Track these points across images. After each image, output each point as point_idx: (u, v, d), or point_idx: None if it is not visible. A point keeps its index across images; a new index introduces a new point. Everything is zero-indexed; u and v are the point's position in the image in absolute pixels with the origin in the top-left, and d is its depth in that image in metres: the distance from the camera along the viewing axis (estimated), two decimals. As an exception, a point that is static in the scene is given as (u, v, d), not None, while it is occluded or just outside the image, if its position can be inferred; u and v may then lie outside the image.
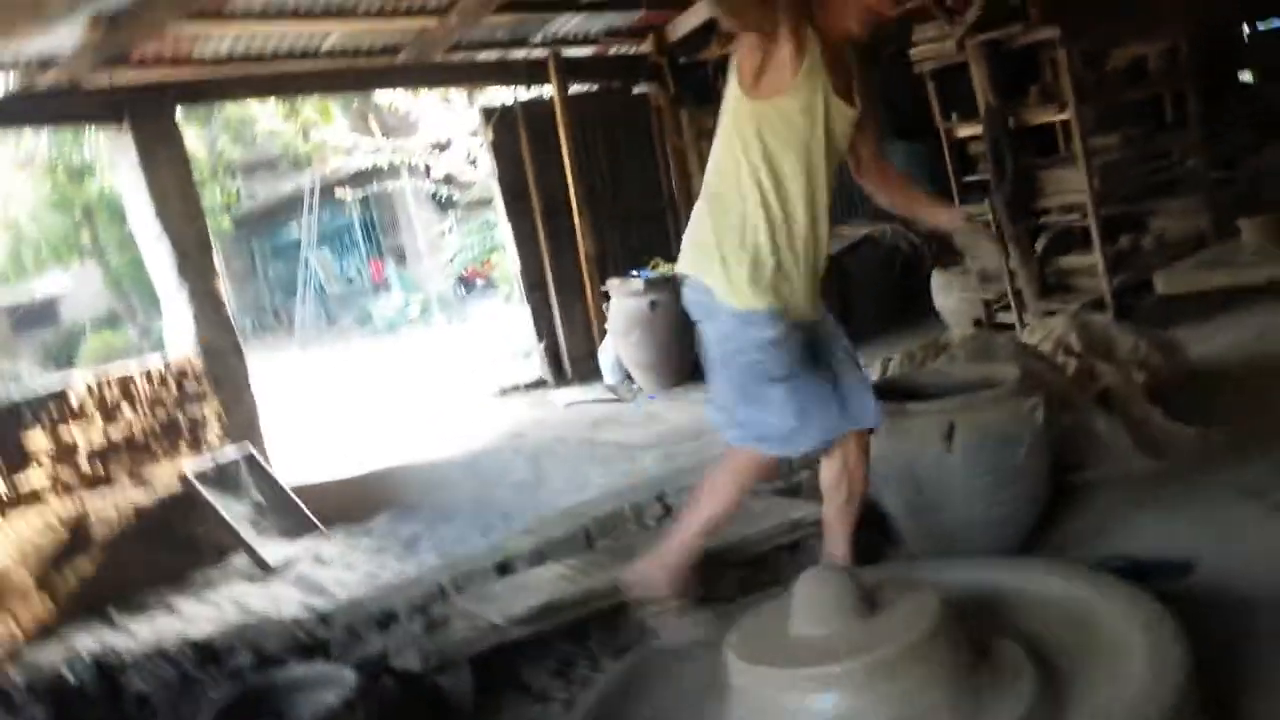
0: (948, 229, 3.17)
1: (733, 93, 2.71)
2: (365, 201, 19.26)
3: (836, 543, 2.93)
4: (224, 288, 6.35)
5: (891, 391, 3.29)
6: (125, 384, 5.31)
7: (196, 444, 5.61)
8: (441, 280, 18.22)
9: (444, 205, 16.14)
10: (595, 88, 8.59)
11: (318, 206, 18.68)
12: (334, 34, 6.60)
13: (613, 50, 8.42)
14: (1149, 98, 7.03)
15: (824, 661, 2.03)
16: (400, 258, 20.71)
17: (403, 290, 19.36)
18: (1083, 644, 2.25)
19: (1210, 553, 2.89)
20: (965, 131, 6.66)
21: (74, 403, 5.07)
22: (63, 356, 17.47)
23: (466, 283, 18.59)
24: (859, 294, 7.94)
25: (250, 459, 5.64)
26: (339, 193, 17.41)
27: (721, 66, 4.02)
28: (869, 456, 2.94)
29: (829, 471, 2.92)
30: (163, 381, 5.54)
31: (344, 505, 5.88)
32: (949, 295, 7.01)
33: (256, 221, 21.43)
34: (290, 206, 20.10)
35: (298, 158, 18.03)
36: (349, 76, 7.37)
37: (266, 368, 10.90)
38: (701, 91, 8.30)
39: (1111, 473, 3.64)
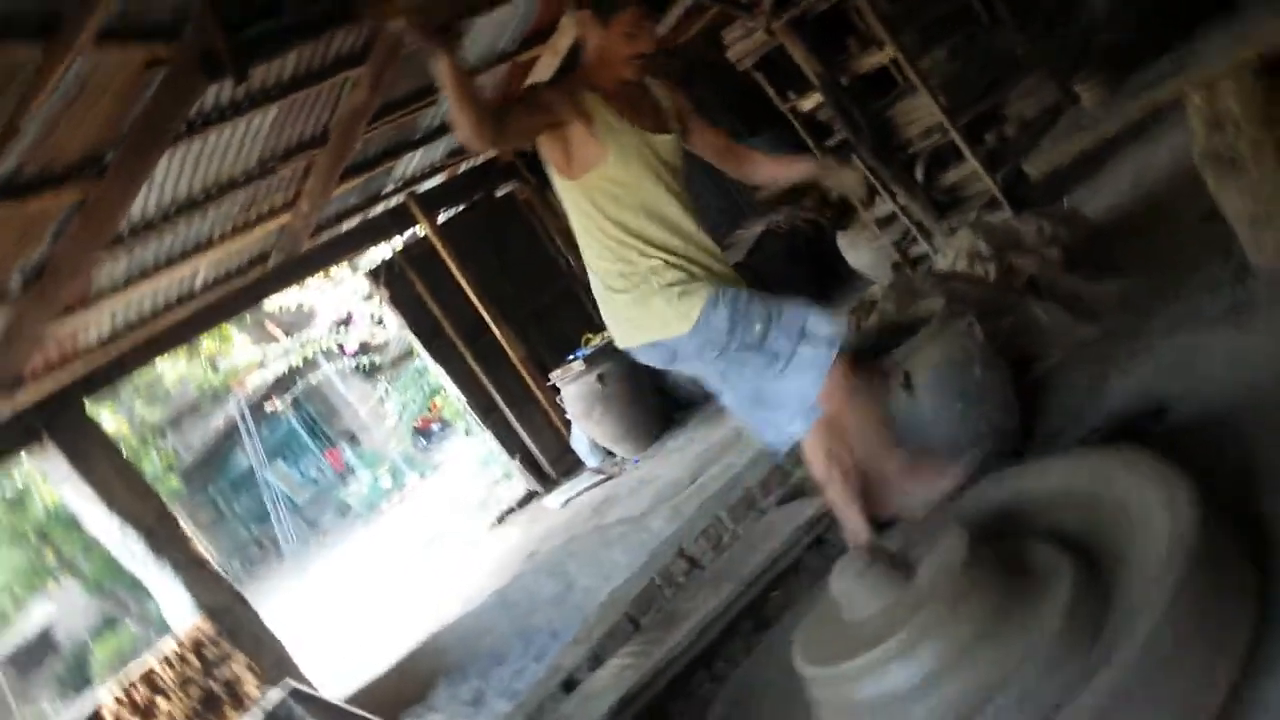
0: (811, 175, 3.33)
1: (558, 183, 2.87)
2: (296, 402, 19.21)
3: (852, 524, 3.00)
4: (200, 544, 6.33)
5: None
6: (149, 679, 5.29)
7: (239, 702, 5.57)
8: (398, 442, 18.18)
9: (370, 373, 16.15)
10: (463, 205, 8.73)
11: (254, 427, 18.59)
12: (202, 268, 6.68)
13: (463, 168, 8.59)
14: (959, 6, 7.26)
15: (884, 638, 2.09)
16: (352, 439, 20.65)
17: (366, 468, 19.27)
18: (1103, 520, 2.31)
19: (1179, 388, 3.01)
20: (808, 104, 6.85)
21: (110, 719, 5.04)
22: (78, 680, 17.16)
23: (423, 433, 18.56)
24: (778, 289, 8.10)
25: (296, 693, 5.58)
26: (268, 406, 17.36)
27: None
28: (845, 425, 2.97)
29: (815, 460, 3.00)
30: (183, 660, 5.51)
31: (400, 694, 5.86)
32: (859, 252, 7.17)
33: (203, 467, 21.25)
34: (228, 438, 19.99)
35: (215, 391, 17.98)
36: (232, 301, 7.42)
37: (273, 599, 10.80)
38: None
39: (1064, 353, 3.76)
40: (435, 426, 18.14)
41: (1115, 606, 2.05)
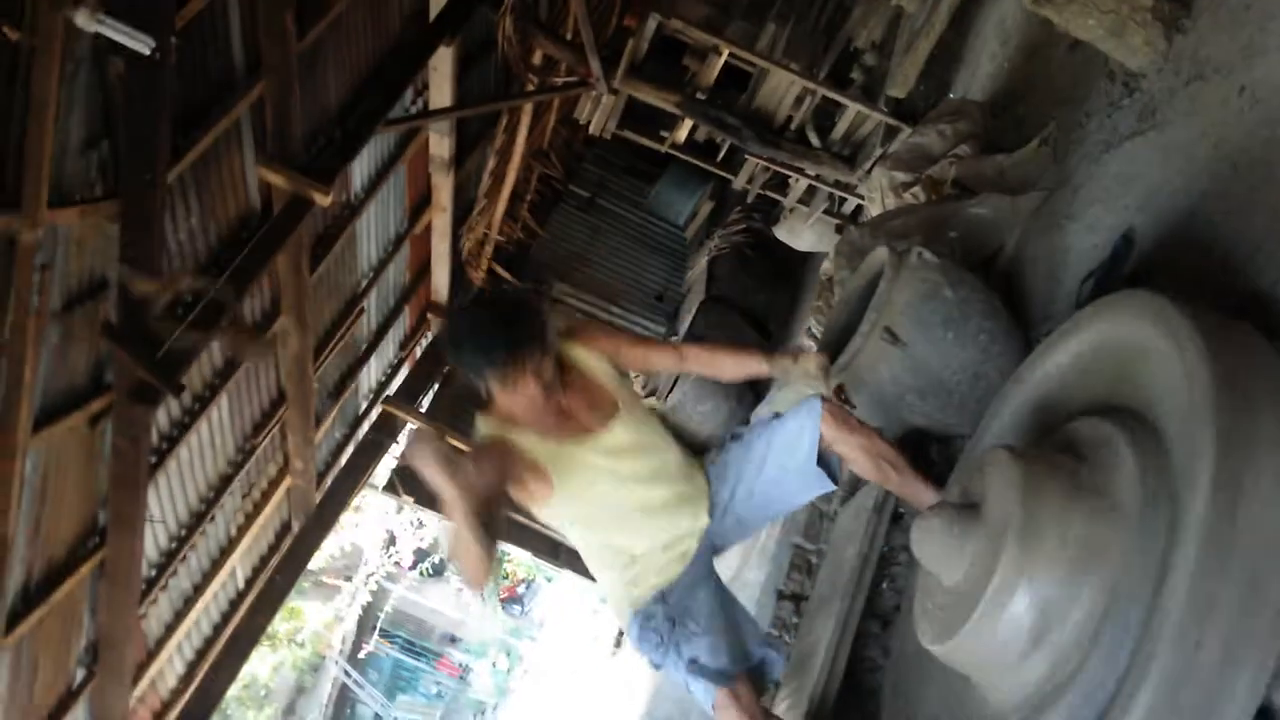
0: (765, 374, 3.13)
1: (535, 510, 2.88)
2: (387, 634, 19.15)
3: (915, 494, 2.98)
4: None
5: (835, 348, 3.39)
6: None
7: None
8: (496, 620, 18.10)
9: (437, 573, 16.14)
10: (437, 383, 8.81)
11: (360, 677, 18.50)
12: (237, 566, 6.73)
13: (418, 349, 8.70)
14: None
15: (981, 592, 2.07)
16: (453, 640, 20.52)
17: (479, 659, 19.14)
18: (1127, 374, 2.27)
19: (1134, 209, 3.02)
20: (683, 133, 6.96)
21: None
22: None
23: (513, 600, 18.50)
24: (748, 300, 8.15)
25: None
26: (363, 652, 17.31)
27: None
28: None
29: (855, 461, 3.02)
30: None
31: None
32: (799, 236, 7.22)
33: (333, 737, 21.10)
34: (344, 700, 19.87)
35: (310, 663, 17.97)
36: (280, 579, 7.46)
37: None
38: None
39: (1019, 231, 3.78)
40: (521, 589, 18.09)
41: (1174, 455, 2.02)
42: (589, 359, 2.90)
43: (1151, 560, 1.90)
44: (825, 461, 2.94)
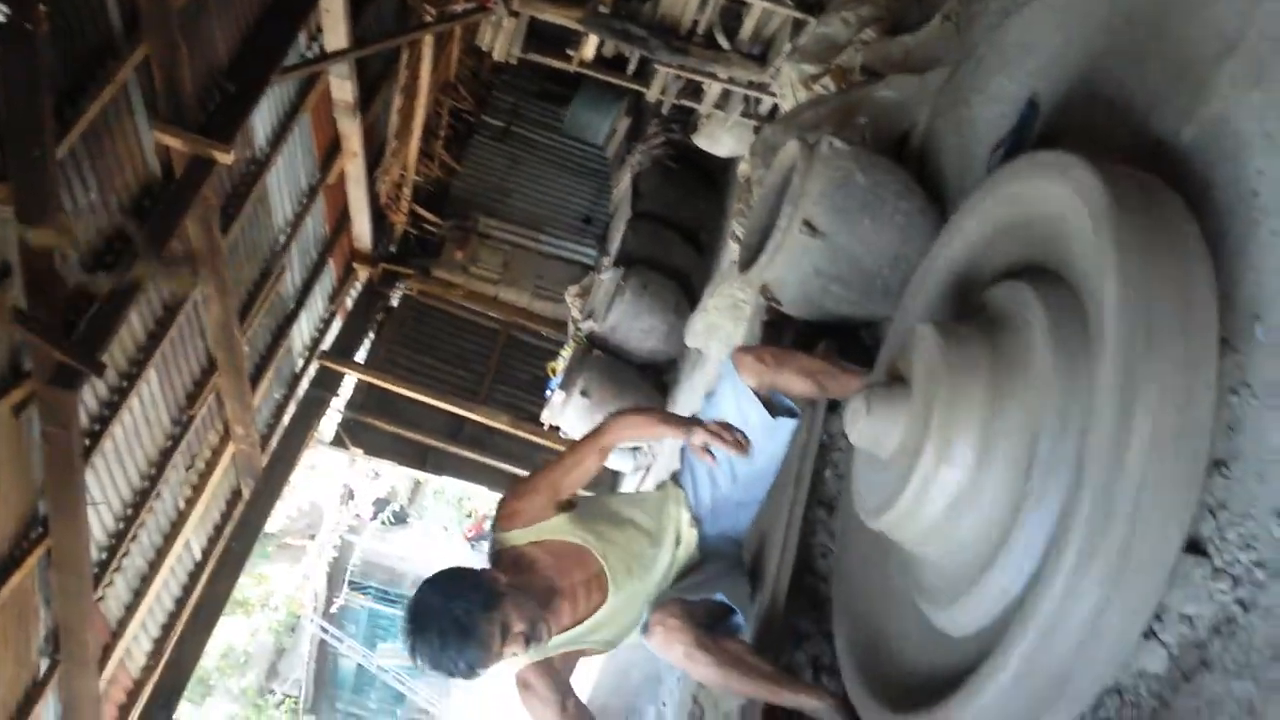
0: (677, 436, 3.03)
1: None
2: (359, 587, 19.19)
3: (851, 389, 3.01)
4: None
5: (758, 248, 3.38)
6: None
7: None
8: (467, 561, 18.19)
9: (400, 520, 16.14)
10: (371, 334, 8.72)
11: (337, 631, 18.58)
12: (190, 538, 6.66)
13: (348, 301, 8.58)
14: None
15: (915, 463, 2.10)
16: (424, 584, 20.64)
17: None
18: (1039, 236, 2.27)
19: (1038, 76, 3.02)
20: (589, 50, 6.84)
21: None
22: None
23: (479, 539, 18.58)
24: (677, 213, 8.11)
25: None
26: (337, 607, 17.36)
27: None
28: None
29: (790, 388, 3.08)
30: None
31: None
32: (718, 141, 7.17)
33: (321, 692, 21.21)
34: (325, 655, 19.96)
35: (285, 625, 17.99)
36: (237, 546, 7.41)
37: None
38: (428, 247, 8.53)
39: (928, 111, 3.77)
40: (487, 525, 18.16)
41: (1088, 308, 2.05)
42: (543, 530, 2.91)
43: (1074, 414, 1.94)
44: (771, 403, 2.98)
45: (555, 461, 3.04)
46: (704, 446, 2.85)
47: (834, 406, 3.35)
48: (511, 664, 2.76)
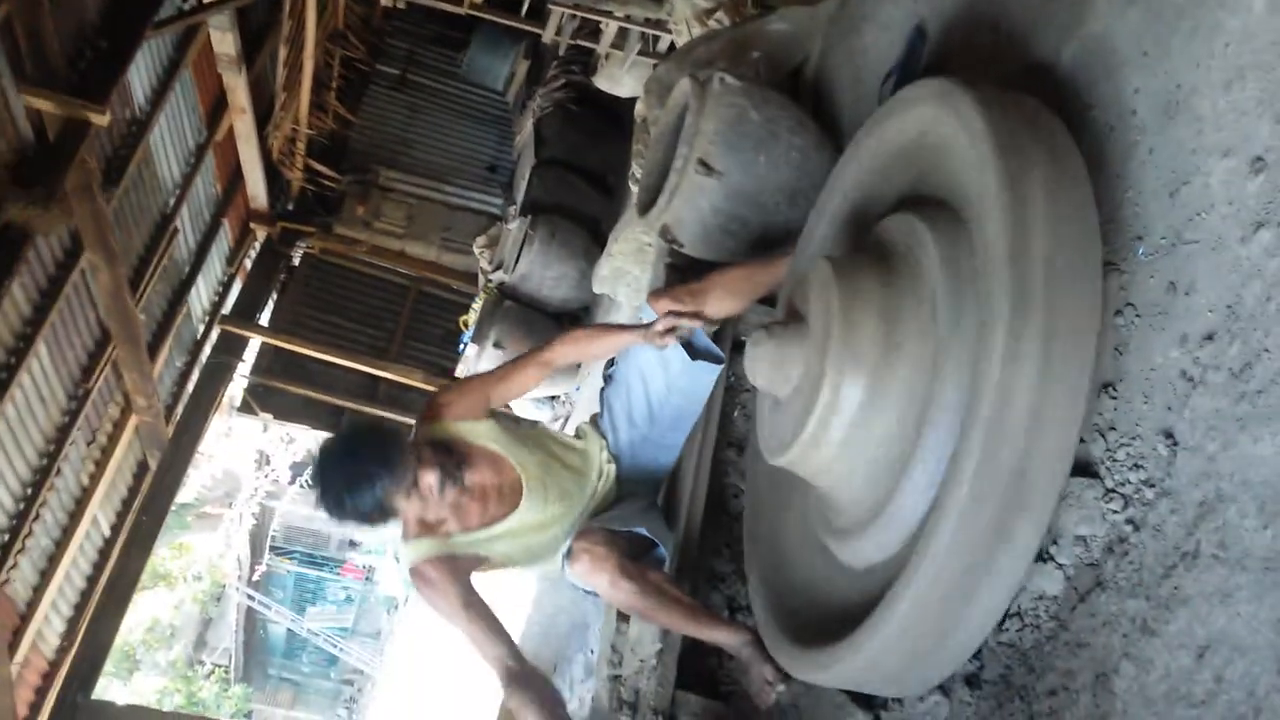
0: (635, 342, 2.98)
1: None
2: (282, 551, 18.98)
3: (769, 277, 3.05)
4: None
5: (656, 190, 3.33)
6: None
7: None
8: (390, 517, 18.07)
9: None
10: (274, 294, 8.50)
11: (263, 597, 18.39)
12: (98, 514, 6.48)
13: (248, 262, 8.36)
14: None
15: (814, 402, 2.09)
16: (353, 545, 20.48)
17: (381, 557, 19.17)
18: (929, 164, 2.26)
19: (925, 2, 3.00)
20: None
21: None
22: None
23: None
24: (582, 157, 8.00)
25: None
26: (261, 571, 17.15)
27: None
28: None
29: (719, 310, 3.05)
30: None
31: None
32: (619, 82, 7.07)
33: (253, 658, 21.06)
34: (252, 623, 19.77)
35: (211, 594, 17.75)
36: (148, 516, 7.22)
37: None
38: (328, 204, 8.32)
39: (820, 42, 3.74)
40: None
41: (974, 234, 2.05)
42: (468, 430, 2.85)
43: (965, 345, 1.94)
44: (691, 345, 2.96)
45: (495, 369, 3.01)
46: (667, 330, 2.83)
47: (739, 346, 3.34)
48: (414, 551, 2.70)
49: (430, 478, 2.60)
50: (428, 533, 2.73)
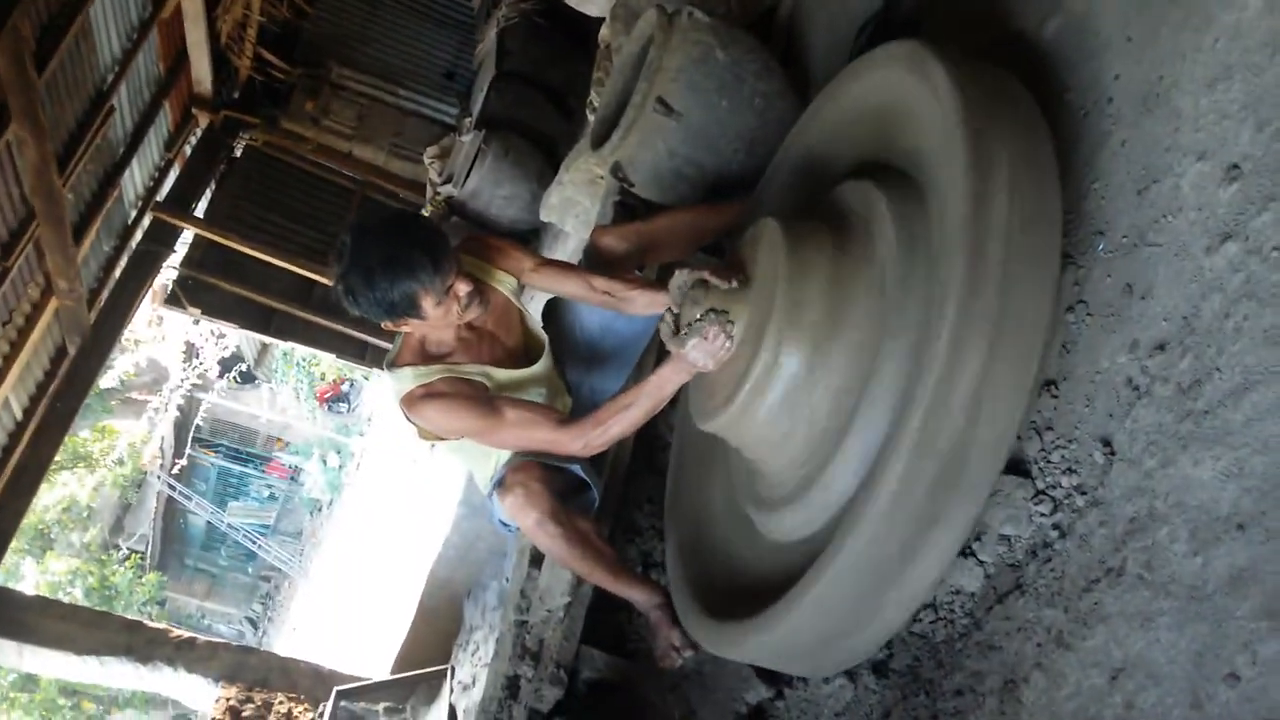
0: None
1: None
2: (206, 444, 18.73)
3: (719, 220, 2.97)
4: (181, 629, 6.20)
5: (613, 123, 3.20)
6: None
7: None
8: (321, 420, 17.87)
9: (249, 378, 15.66)
10: (212, 185, 8.19)
11: (185, 488, 18.17)
12: (9, 397, 6.26)
13: (187, 149, 8.03)
14: None
15: (752, 356, 2.01)
16: (279, 444, 20.28)
17: (308, 459, 19.00)
18: (893, 129, 2.19)
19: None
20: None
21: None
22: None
23: (338, 399, 18.23)
24: (544, 74, 7.76)
25: (343, 694, 5.60)
26: (183, 463, 16.92)
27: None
28: None
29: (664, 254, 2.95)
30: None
31: (438, 633, 5.88)
32: (586, 2, 6.83)
33: (169, 548, 20.88)
34: (172, 512, 19.56)
35: (132, 480, 17.49)
36: (63, 402, 7.00)
37: (301, 619, 10.74)
38: (276, 96, 8.02)
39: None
40: (345, 387, 17.82)
41: (933, 210, 1.97)
42: (502, 279, 2.74)
43: (912, 324, 1.87)
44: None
45: (551, 259, 2.86)
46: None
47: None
48: (419, 375, 2.55)
49: (465, 287, 2.45)
50: (432, 360, 2.60)
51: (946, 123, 1.80)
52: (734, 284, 2.14)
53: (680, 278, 2.22)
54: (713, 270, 2.15)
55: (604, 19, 7.07)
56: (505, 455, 2.73)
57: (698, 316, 2.14)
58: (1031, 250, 1.71)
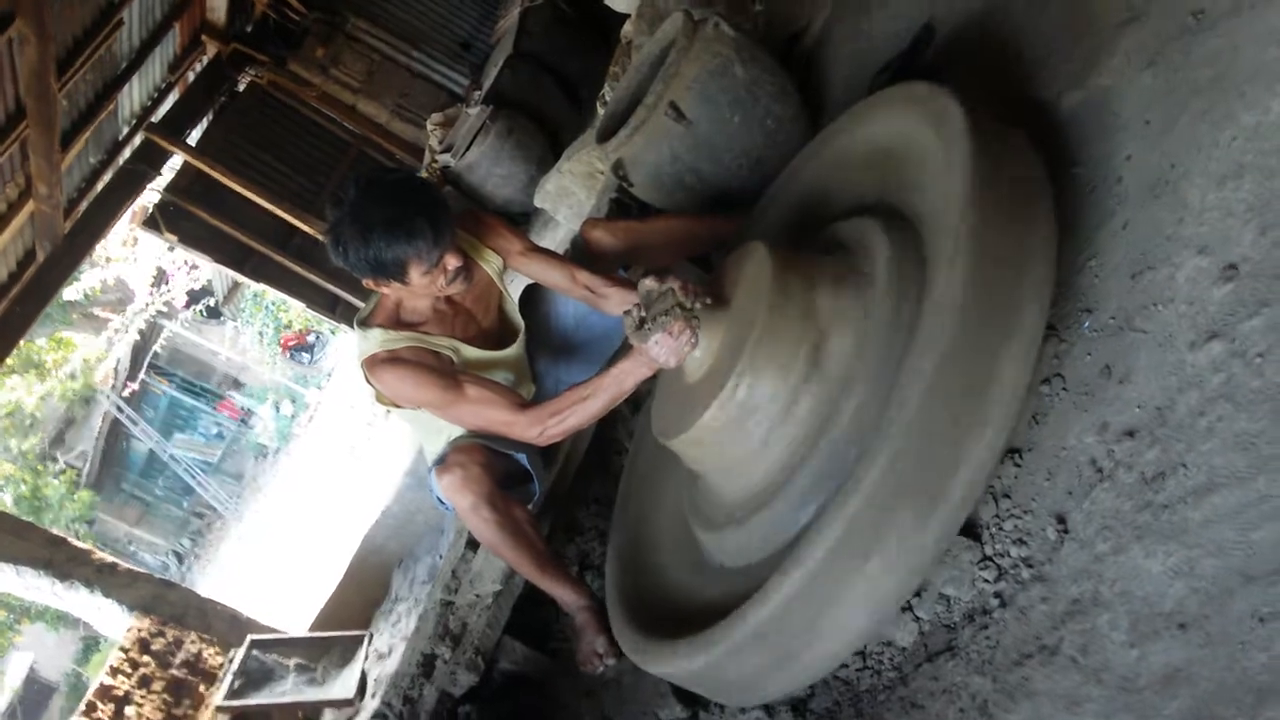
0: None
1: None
2: (163, 372, 18.50)
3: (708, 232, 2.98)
4: (107, 552, 6.09)
5: (622, 118, 3.17)
6: (107, 694, 5.14)
7: (209, 678, 5.48)
8: (280, 367, 17.69)
9: (214, 315, 15.47)
10: (210, 116, 8.08)
11: (133, 412, 17.92)
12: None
13: (190, 75, 7.92)
14: None
15: (723, 377, 1.99)
16: (235, 384, 20.06)
17: (261, 404, 18.80)
18: (898, 171, 2.19)
19: (942, 2, 2.87)
20: None
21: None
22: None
23: (301, 349, 18.04)
24: (561, 61, 7.72)
25: (256, 643, 5.52)
26: (135, 387, 16.69)
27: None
28: None
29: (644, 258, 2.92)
30: (134, 663, 5.36)
31: (363, 599, 5.82)
32: (615, -3, 6.80)
33: (107, 469, 20.58)
34: (116, 434, 19.30)
35: (81, 395, 17.24)
36: (23, 307, 6.87)
37: (227, 561, 10.63)
38: (288, 38, 7.91)
39: (827, 10, 3.58)
40: (311, 339, 17.65)
41: (930, 257, 1.95)
42: (489, 258, 2.73)
43: (888, 373, 1.85)
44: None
45: (542, 246, 2.82)
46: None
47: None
48: (388, 339, 2.53)
49: (454, 262, 2.43)
50: (403, 327, 2.57)
51: (953, 169, 1.79)
52: (700, 304, 2.11)
53: (648, 285, 2.18)
54: (682, 285, 2.12)
55: (629, 16, 7.06)
56: (457, 434, 2.70)
57: (664, 312, 2.11)
58: (1014, 324, 1.69)
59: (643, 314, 2.15)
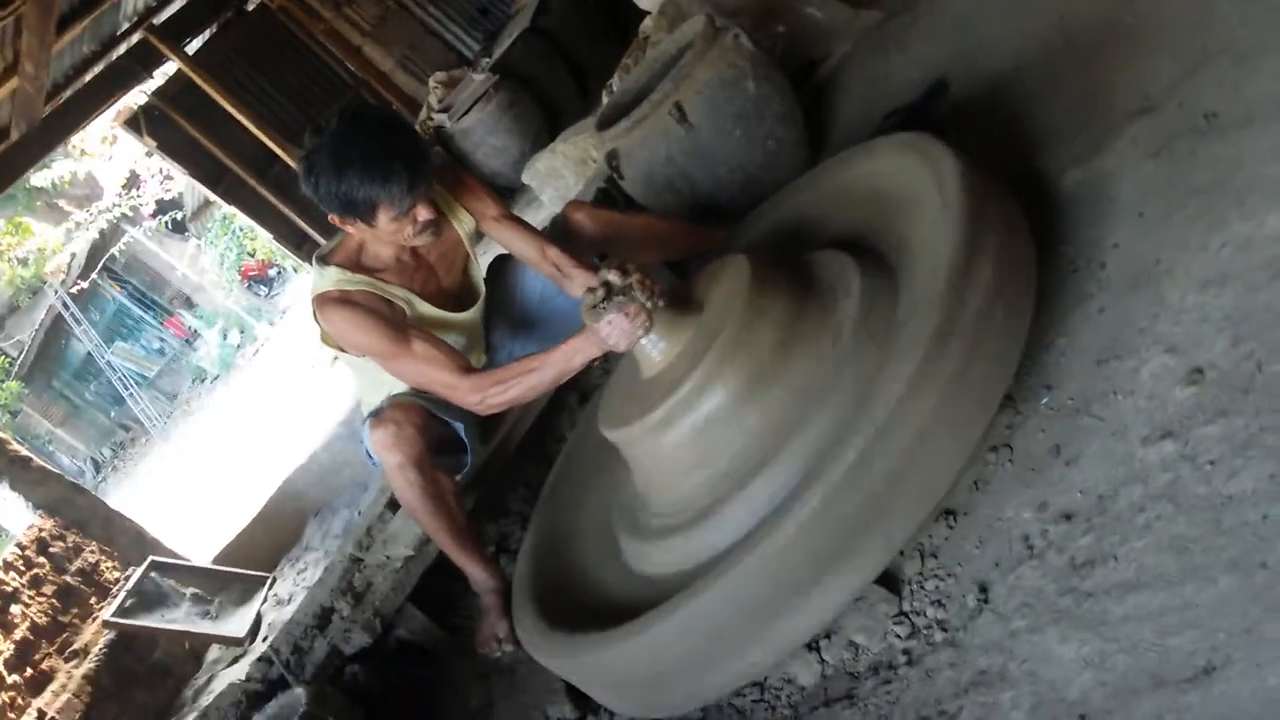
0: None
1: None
2: (117, 278, 18.18)
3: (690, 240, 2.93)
4: (25, 446, 5.94)
5: (625, 110, 3.14)
6: (-6, 591, 5.01)
7: (102, 590, 5.35)
8: (235, 296, 17.44)
9: (179, 229, 15.21)
10: (213, 29, 7.95)
11: (79, 312, 17.59)
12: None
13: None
14: None
15: (681, 382, 1.96)
16: (188, 303, 19.75)
17: (209, 328, 18.52)
18: (887, 215, 2.19)
19: (962, 56, 2.87)
20: None
21: (-40, 639, 4.79)
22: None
23: (261, 280, 17.80)
24: (574, 43, 7.67)
25: (158, 565, 5.40)
26: (86, 286, 16.37)
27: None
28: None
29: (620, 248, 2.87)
30: (28, 561, 5.23)
31: (273, 542, 5.72)
32: (640, -9, 6.77)
33: (41, 363, 20.16)
34: (57, 330, 18.92)
35: (29, 284, 16.91)
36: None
37: (145, 478, 10.44)
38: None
39: (848, 45, 3.57)
40: (272, 272, 17.42)
41: (904, 300, 1.94)
42: (461, 218, 2.67)
43: (846, 404, 1.83)
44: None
45: (519, 218, 2.76)
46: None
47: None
48: (344, 279, 2.46)
49: (425, 214, 2.37)
50: (361, 270, 2.50)
51: (947, 222, 1.78)
52: (655, 304, 2.07)
53: (610, 277, 2.14)
54: (642, 279, 2.08)
55: (650, 13, 7.02)
56: (398, 390, 2.65)
57: (619, 292, 2.07)
58: (975, 384, 1.67)
59: (602, 295, 2.11)
